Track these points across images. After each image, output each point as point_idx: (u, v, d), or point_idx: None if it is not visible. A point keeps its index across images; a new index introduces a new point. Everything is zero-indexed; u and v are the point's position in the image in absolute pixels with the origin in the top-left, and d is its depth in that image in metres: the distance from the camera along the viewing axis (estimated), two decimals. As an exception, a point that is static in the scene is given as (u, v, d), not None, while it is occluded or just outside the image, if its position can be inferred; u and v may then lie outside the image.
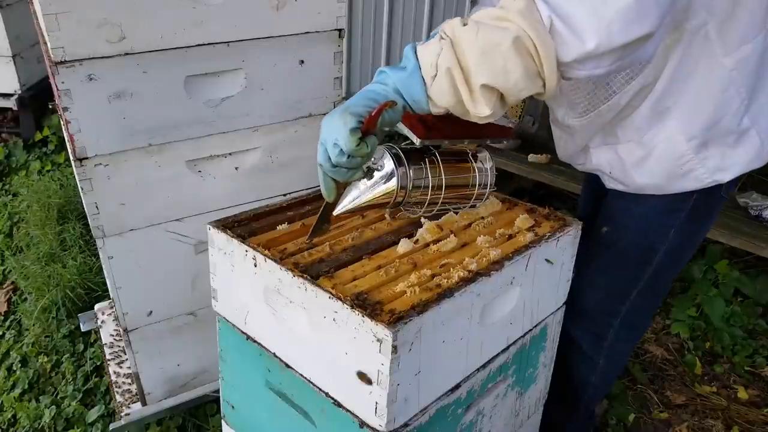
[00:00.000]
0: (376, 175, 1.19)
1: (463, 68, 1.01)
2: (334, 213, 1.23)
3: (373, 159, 1.19)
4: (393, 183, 1.19)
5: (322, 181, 1.17)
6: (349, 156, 1.08)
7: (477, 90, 1.01)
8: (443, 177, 1.24)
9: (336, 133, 1.07)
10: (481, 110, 1.03)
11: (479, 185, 1.31)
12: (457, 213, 1.37)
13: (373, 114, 1.06)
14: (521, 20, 0.96)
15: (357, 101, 1.08)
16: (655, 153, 1.33)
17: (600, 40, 0.96)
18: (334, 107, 1.84)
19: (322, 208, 1.26)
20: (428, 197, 1.25)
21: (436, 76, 1.03)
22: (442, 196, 1.26)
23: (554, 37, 0.97)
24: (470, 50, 1.00)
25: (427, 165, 1.23)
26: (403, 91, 1.07)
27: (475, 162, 1.31)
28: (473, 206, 1.34)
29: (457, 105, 1.04)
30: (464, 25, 1.02)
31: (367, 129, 1.07)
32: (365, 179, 1.19)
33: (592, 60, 0.99)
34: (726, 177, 1.32)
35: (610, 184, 1.46)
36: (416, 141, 1.22)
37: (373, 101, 1.08)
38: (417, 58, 1.05)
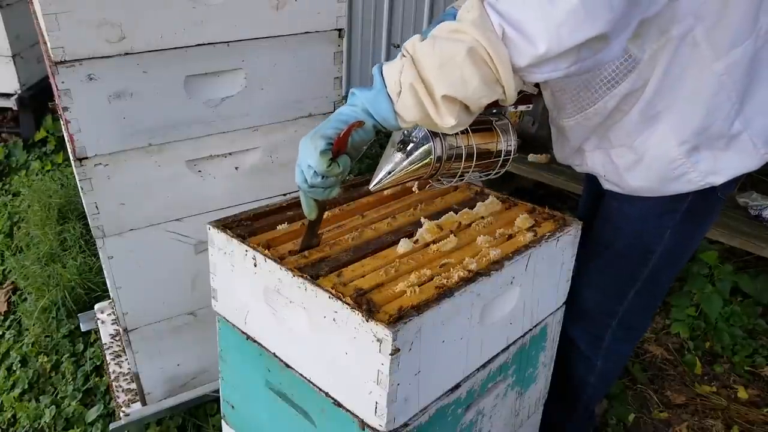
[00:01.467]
0: (411, 147, 1.19)
1: (424, 82, 1.04)
2: (370, 188, 1.24)
3: (405, 131, 1.21)
4: (430, 155, 1.19)
5: (303, 201, 1.23)
6: (322, 177, 1.14)
7: (440, 102, 1.04)
8: (474, 146, 1.25)
9: (308, 156, 1.12)
10: (446, 121, 1.06)
11: (504, 152, 1.32)
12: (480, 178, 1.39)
13: (341, 135, 1.10)
14: (474, 30, 0.99)
15: (327, 124, 1.13)
16: (646, 157, 1.33)
17: (550, 43, 0.98)
18: (335, 107, 1.85)
19: (307, 226, 1.29)
20: (461, 167, 1.25)
21: (401, 92, 1.07)
22: (473, 165, 1.27)
23: (507, 44, 0.99)
24: (429, 64, 1.03)
25: (459, 134, 1.24)
26: (372, 110, 1.10)
27: (499, 131, 1.31)
28: (497, 173, 1.35)
29: (424, 118, 1.08)
30: (422, 40, 1.06)
31: (338, 149, 1.12)
32: (400, 153, 1.20)
33: (547, 63, 1.01)
34: (719, 180, 1.32)
35: (606, 185, 1.47)
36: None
37: (342, 123, 1.12)
38: (382, 77, 1.09)
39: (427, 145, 1.19)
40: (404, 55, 1.07)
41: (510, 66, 1.01)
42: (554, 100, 1.45)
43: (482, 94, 1.03)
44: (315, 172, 1.13)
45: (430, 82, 1.04)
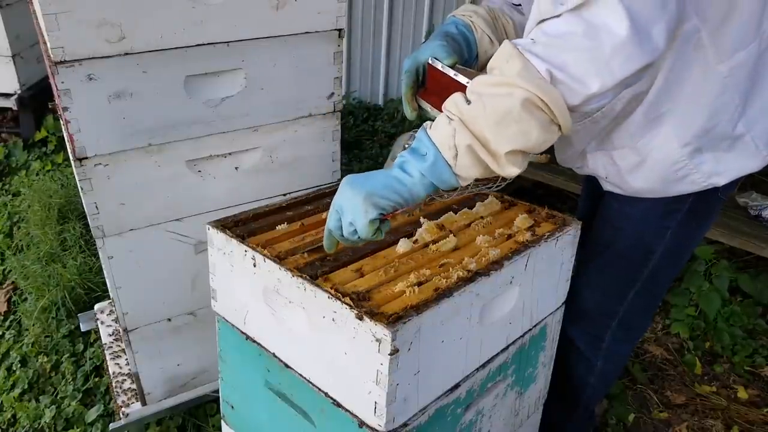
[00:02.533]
0: None
1: (481, 141, 1.06)
2: None
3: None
4: None
5: (326, 238, 1.21)
6: (360, 238, 1.14)
7: (502, 157, 1.06)
8: None
9: (355, 216, 1.11)
10: (510, 171, 1.09)
11: None
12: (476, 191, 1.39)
13: (396, 213, 1.12)
14: (523, 82, 1.00)
15: (382, 190, 1.10)
16: (649, 159, 1.33)
17: (603, 81, 1.01)
18: (334, 107, 1.85)
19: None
20: None
21: (457, 155, 1.08)
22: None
23: (558, 86, 1.01)
24: (484, 124, 1.04)
25: None
26: (433, 178, 1.11)
27: None
28: (499, 186, 1.36)
29: (485, 172, 1.10)
30: (468, 102, 1.07)
31: (384, 218, 1.13)
32: None
33: (598, 97, 1.04)
34: (721, 181, 1.32)
35: (607, 186, 1.47)
36: None
37: (397, 194, 1.11)
38: (433, 143, 1.09)
39: None
40: (451, 119, 1.08)
41: (565, 107, 1.03)
42: None
43: (543, 139, 1.06)
44: (356, 231, 1.12)
45: (487, 140, 1.05)
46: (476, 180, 1.28)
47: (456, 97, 1.09)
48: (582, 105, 1.04)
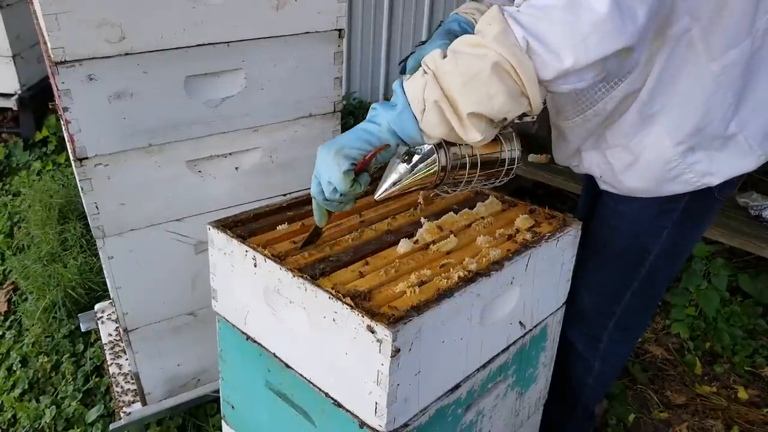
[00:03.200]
0: (416, 158, 1.19)
1: (449, 99, 1.04)
2: (375, 198, 1.25)
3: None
4: (435, 165, 1.20)
5: (315, 209, 1.24)
6: (341, 194, 1.15)
7: (465, 118, 1.04)
8: (478, 155, 1.25)
9: (330, 173, 1.13)
10: (472, 136, 1.06)
11: (507, 161, 1.32)
12: (483, 187, 1.40)
13: (366, 158, 1.11)
14: (497, 46, 0.99)
15: (351, 142, 1.12)
16: (642, 158, 1.33)
17: (577, 56, 0.98)
18: (334, 107, 1.85)
19: (312, 228, 1.30)
20: (465, 176, 1.26)
21: (425, 110, 1.06)
22: (476, 174, 1.27)
23: (532, 57, 0.99)
24: (453, 81, 1.03)
25: (464, 144, 1.24)
26: (397, 129, 1.10)
27: (503, 139, 1.32)
28: (501, 182, 1.36)
29: (449, 133, 1.08)
30: (444, 57, 1.05)
31: (360, 169, 1.13)
32: (404, 163, 1.20)
33: (572, 75, 1.01)
34: (715, 181, 1.32)
35: (602, 186, 1.47)
36: None
37: (366, 143, 1.12)
38: (404, 94, 1.08)
39: (433, 155, 1.19)
40: (426, 72, 1.07)
41: (536, 78, 1.00)
42: (554, 102, 1.45)
43: (509, 108, 1.03)
44: (335, 188, 1.14)
45: (454, 99, 1.03)
46: (479, 175, 1.28)
47: (434, 53, 1.07)
48: (554, 80, 1.01)
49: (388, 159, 1.15)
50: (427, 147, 1.20)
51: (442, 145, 1.20)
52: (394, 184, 1.20)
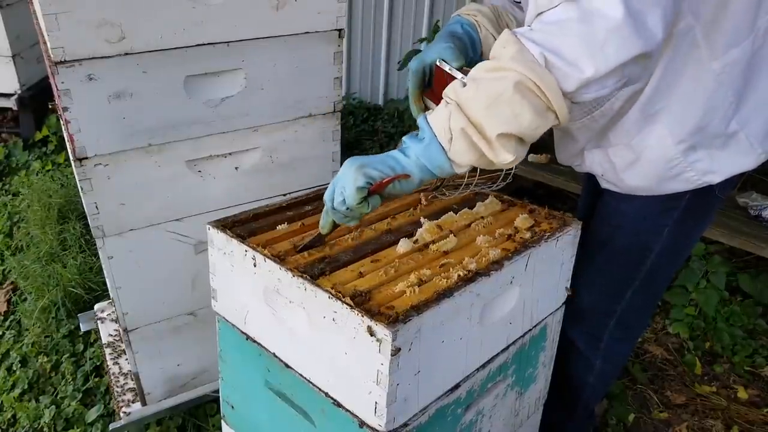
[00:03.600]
0: None
1: (475, 125, 1.05)
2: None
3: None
4: None
5: (323, 215, 1.26)
6: (348, 208, 1.15)
7: (494, 141, 1.05)
8: None
9: (345, 183, 1.14)
10: (503, 158, 1.07)
11: None
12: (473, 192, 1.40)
13: (384, 181, 1.12)
14: (516, 65, 1.00)
15: (376, 162, 1.14)
16: (644, 156, 1.33)
17: (597, 65, 0.99)
18: (334, 107, 1.85)
19: (316, 234, 1.30)
20: (464, 179, 1.26)
21: (452, 138, 1.08)
22: (476, 177, 1.28)
23: (552, 71, 1.00)
24: (476, 107, 1.04)
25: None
26: (426, 161, 1.12)
27: None
28: (499, 186, 1.37)
29: (480, 159, 1.09)
30: (464, 86, 1.07)
31: (375, 191, 1.13)
32: None
33: (594, 83, 1.02)
34: (716, 179, 1.32)
35: (604, 184, 1.47)
36: None
37: (390, 168, 1.13)
38: (430, 127, 1.10)
39: None
40: (448, 102, 1.08)
41: (559, 92, 1.01)
42: None
43: (537, 124, 1.04)
44: (344, 200, 1.14)
45: (480, 123, 1.04)
46: (478, 178, 1.28)
47: (455, 83, 1.10)
48: (577, 91, 1.03)
49: (406, 192, 1.16)
50: None
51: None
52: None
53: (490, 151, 1.06)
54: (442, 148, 1.09)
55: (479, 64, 1.09)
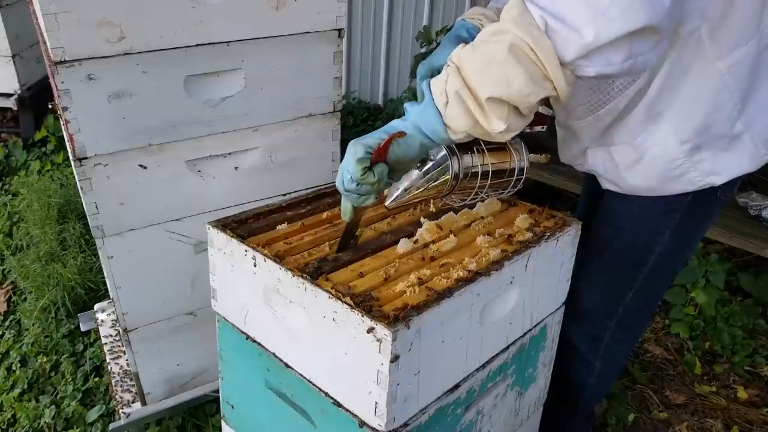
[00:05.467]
0: (429, 165, 1.19)
1: (470, 88, 1.02)
2: (386, 205, 1.24)
3: None
4: (448, 173, 1.19)
5: (342, 203, 1.23)
6: (357, 183, 1.12)
7: (485, 105, 1.01)
8: (489, 165, 1.25)
9: (347, 160, 1.12)
10: (495, 126, 1.03)
11: (516, 172, 1.32)
12: (483, 199, 1.40)
13: (381, 145, 1.09)
14: (515, 27, 0.96)
15: (373, 133, 1.13)
16: (647, 156, 1.33)
17: (598, 30, 0.93)
18: (334, 107, 1.85)
19: (345, 228, 1.29)
20: (476, 186, 1.25)
21: (448, 102, 1.05)
22: (487, 184, 1.27)
23: (552, 37, 0.95)
24: (472, 68, 1.01)
25: (475, 153, 1.25)
26: (421, 123, 1.09)
27: (512, 149, 1.31)
28: (509, 192, 1.36)
29: (474, 127, 1.05)
30: (465, 48, 1.04)
31: (377, 159, 1.10)
32: (417, 170, 1.20)
33: (596, 54, 0.96)
34: (718, 180, 1.32)
35: (605, 184, 1.47)
36: None
37: (386, 133, 1.11)
38: (430, 90, 1.08)
39: (445, 163, 1.19)
40: (449, 65, 1.05)
41: (556, 59, 0.96)
42: (567, 102, 1.43)
43: (529, 91, 0.99)
44: (351, 177, 1.12)
45: (474, 86, 1.01)
46: (489, 185, 1.28)
47: (459, 47, 1.06)
48: (578, 61, 0.96)
49: (410, 156, 1.12)
50: (440, 154, 1.19)
51: (455, 152, 1.20)
52: (406, 190, 1.20)
53: (483, 116, 1.02)
54: (438, 111, 1.06)
55: (487, 27, 1.04)
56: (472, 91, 1.02)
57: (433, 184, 1.20)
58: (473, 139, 1.24)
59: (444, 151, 1.20)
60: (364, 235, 1.36)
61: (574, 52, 0.96)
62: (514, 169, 1.31)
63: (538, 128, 1.40)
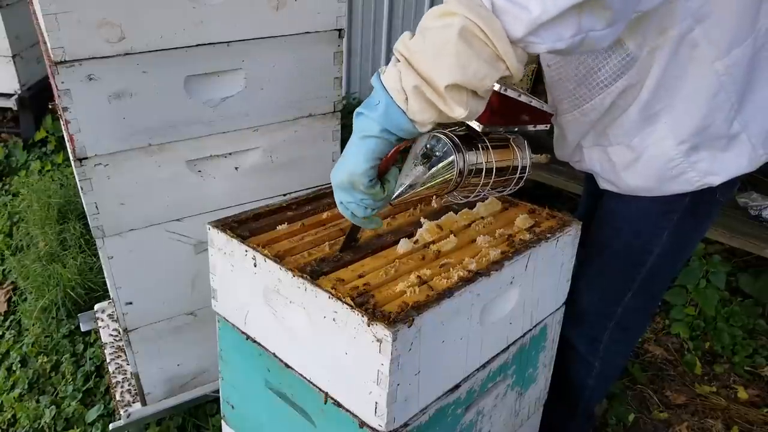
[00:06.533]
0: (433, 161, 1.19)
1: (426, 79, 0.99)
2: (391, 201, 1.22)
3: (428, 146, 1.21)
4: (452, 169, 1.19)
5: (364, 224, 1.21)
6: (376, 200, 1.12)
7: (444, 93, 0.99)
8: (494, 162, 1.25)
9: (354, 199, 1.11)
10: (458, 112, 1.01)
11: (519, 169, 1.32)
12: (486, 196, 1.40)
13: (389, 156, 1.09)
14: (462, 8, 0.94)
15: (359, 164, 1.07)
16: (644, 156, 1.33)
17: (544, 3, 0.91)
18: (334, 107, 1.85)
19: (350, 228, 1.28)
20: (480, 183, 1.26)
21: (407, 98, 1.02)
22: (491, 180, 1.27)
23: (501, 16, 0.94)
24: (424, 59, 0.98)
25: (480, 150, 1.24)
26: (389, 126, 1.05)
27: (515, 147, 1.32)
28: (512, 190, 1.36)
29: (439, 115, 1.03)
30: (412, 38, 1.01)
31: (385, 168, 1.12)
32: (422, 167, 1.19)
33: (546, 29, 0.94)
34: (716, 180, 1.32)
35: (603, 184, 1.47)
36: (477, 127, 1.24)
37: (372, 152, 1.07)
38: (385, 89, 1.04)
39: (450, 158, 1.18)
40: (398, 60, 1.03)
41: (506, 37, 0.95)
42: (552, 96, 1.44)
43: (484, 73, 0.97)
44: (372, 201, 1.11)
45: (429, 76, 0.99)
46: (492, 182, 1.28)
47: (404, 36, 1.04)
48: (527, 37, 0.94)
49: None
50: (444, 150, 1.19)
51: (460, 148, 1.19)
52: (411, 186, 1.19)
53: (444, 105, 1.00)
54: (401, 109, 1.03)
55: (430, 10, 1.03)
56: (429, 81, 0.99)
57: (438, 180, 1.19)
58: (477, 135, 1.25)
59: (449, 147, 1.20)
60: (365, 235, 1.36)
61: (523, 29, 0.94)
62: (517, 166, 1.32)
63: (541, 127, 1.40)
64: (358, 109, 1.08)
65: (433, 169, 1.19)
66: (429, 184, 1.19)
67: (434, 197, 1.49)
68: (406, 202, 1.27)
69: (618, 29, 1.01)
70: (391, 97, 1.03)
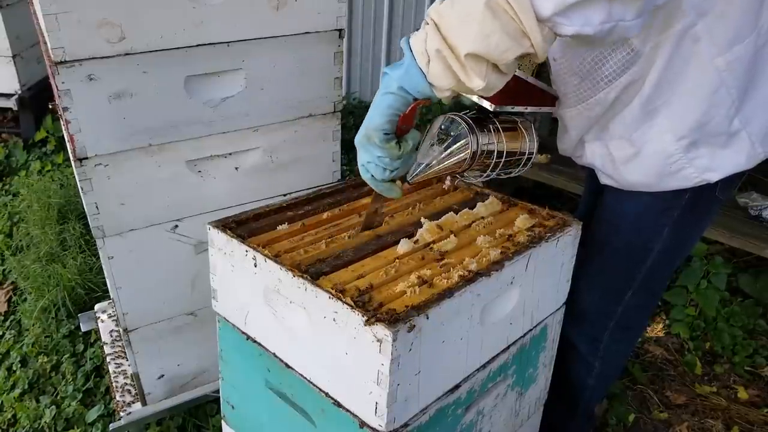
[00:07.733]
0: (449, 142, 1.22)
1: (450, 45, 1.01)
2: (408, 179, 1.25)
3: (443, 126, 1.25)
4: (467, 149, 1.23)
5: (381, 189, 1.25)
6: (397, 159, 1.17)
7: (464, 61, 1.00)
8: (504, 143, 1.29)
9: (372, 156, 1.16)
10: (475, 83, 1.02)
11: (527, 152, 1.36)
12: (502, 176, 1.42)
13: (407, 112, 1.12)
14: None
15: (377, 118, 1.12)
16: (644, 151, 1.33)
17: None
18: (334, 107, 1.85)
19: (372, 204, 1.33)
20: (492, 162, 1.29)
21: (429, 61, 1.04)
22: (503, 161, 1.31)
23: None
24: (450, 25, 1.00)
25: (492, 131, 1.28)
26: (406, 86, 1.08)
27: (523, 130, 1.35)
28: (519, 172, 1.40)
29: (458, 84, 1.04)
30: (443, 3, 1.03)
31: (402, 129, 1.15)
32: (438, 146, 1.23)
33: (575, 11, 0.94)
34: (715, 177, 1.32)
35: (603, 179, 1.47)
36: (489, 107, 1.27)
37: (391, 108, 1.11)
38: (410, 50, 1.07)
39: (465, 137, 1.22)
40: (427, 23, 1.04)
41: (533, 14, 0.95)
42: (557, 89, 1.44)
43: (506, 47, 0.97)
44: (389, 160, 1.15)
45: (453, 43, 1.00)
46: (503, 162, 1.30)
47: (436, 2, 1.05)
48: (555, 16, 0.94)
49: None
50: (462, 132, 1.23)
51: (474, 129, 1.23)
52: (429, 166, 1.23)
53: (464, 73, 1.01)
54: (422, 71, 1.05)
55: None
56: (452, 48, 1.00)
57: (453, 160, 1.23)
58: (487, 117, 1.28)
59: (464, 128, 1.23)
60: (365, 235, 1.36)
61: (552, 7, 0.94)
62: (525, 149, 1.35)
63: (546, 109, 1.42)
64: (384, 69, 1.13)
65: (449, 150, 1.22)
66: (444, 164, 1.23)
67: (447, 177, 1.56)
68: (422, 181, 1.31)
69: (643, 21, 1.02)
70: (415, 59, 1.06)
